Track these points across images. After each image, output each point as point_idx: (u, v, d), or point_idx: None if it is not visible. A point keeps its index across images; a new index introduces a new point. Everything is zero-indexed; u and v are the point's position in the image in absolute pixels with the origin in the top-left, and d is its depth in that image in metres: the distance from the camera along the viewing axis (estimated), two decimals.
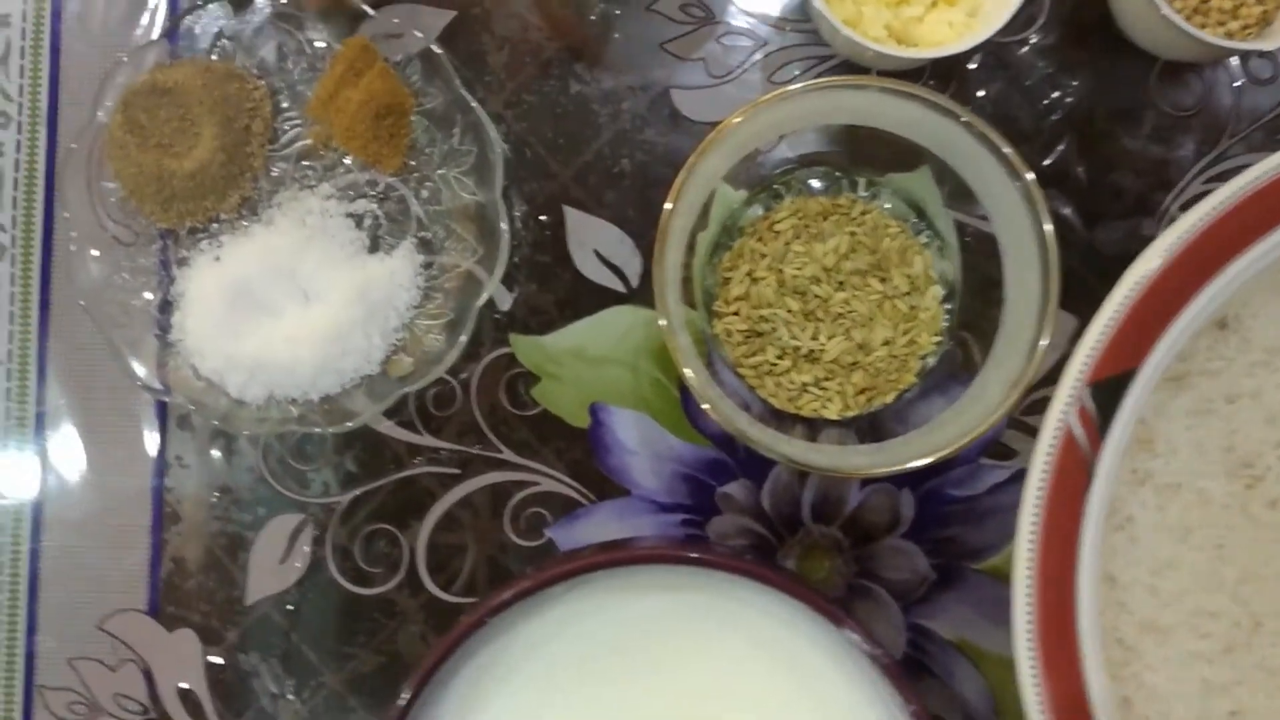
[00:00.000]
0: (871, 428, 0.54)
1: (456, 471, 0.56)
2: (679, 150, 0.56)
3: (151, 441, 0.56)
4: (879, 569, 0.55)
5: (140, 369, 0.53)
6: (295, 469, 0.56)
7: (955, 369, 0.54)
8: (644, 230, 0.56)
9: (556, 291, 0.56)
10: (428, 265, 0.55)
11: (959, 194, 0.53)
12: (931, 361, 0.53)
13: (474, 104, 0.54)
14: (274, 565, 0.56)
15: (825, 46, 0.56)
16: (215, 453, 0.56)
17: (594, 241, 0.56)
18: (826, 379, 0.53)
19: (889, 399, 0.53)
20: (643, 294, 0.56)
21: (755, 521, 0.55)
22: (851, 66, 0.56)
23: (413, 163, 0.56)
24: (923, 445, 0.48)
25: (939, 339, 0.53)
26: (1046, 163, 0.56)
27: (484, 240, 0.54)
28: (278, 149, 0.56)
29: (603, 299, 0.56)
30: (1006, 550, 0.55)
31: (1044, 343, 0.46)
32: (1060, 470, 0.43)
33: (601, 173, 0.56)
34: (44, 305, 0.56)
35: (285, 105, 0.56)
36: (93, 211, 0.54)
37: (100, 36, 0.57)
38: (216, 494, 0.56)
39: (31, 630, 0.55)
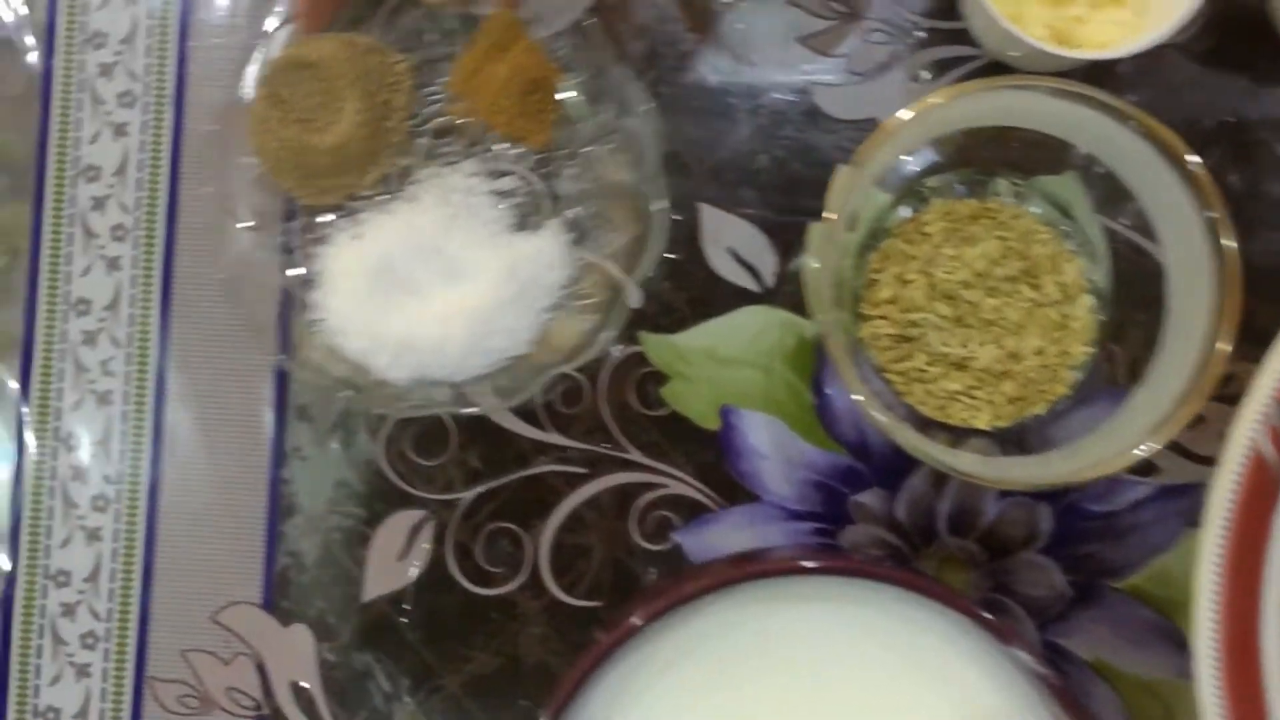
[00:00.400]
0: (1017, 439, 0.52)
1: (583, 471, 0.54)
2: (817, 148, 0.54)
3: (269, 431, 0.54)
4: (1015, 584, 0.54)
5: (279, 350, 0.52)
6: (417, 464, 0.54)
7: (1101, 381, 0.52)
8: (780, 229, 0.54)
9: (689, 289, 0.54)
10: (576, 245, 0.54)
11: (1109, 198, 0.52)
12: (1081, 373, 0.52)
13: (629, 76, 0.52)
14: (392, 562, 0.54)
15: (969, 46, 0.54)
16: (334, 445, 0.55)
17: (729, 239, 0.54)
18: (976, 387, 0.51)
19: (1040, 410, 0.51)
20: (778, 294, 0.54)
21: (889, 532, 0.54)
22: (999, 67, 0.54)
23: (560, 139, 0.54)
24: (1095, 457, 0.46)
25: (1090, 349, 0.52)
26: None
27: (635, 220, 0.53)
28: (418, 125, 0.54)
29: (736, 298, 0.54)
30: (1148, 569, 0.53)
31: (1223, 352, 0.45)
32: (1248, 492, 0.41)
33: (738, 169, 0.55)
34: (165, 289, 0.55)
35: (426, 80, 0.54)
36: (233, 188, 0.53)
37: (229, 15, 0.56)
38: (334, 487, 0.55)
39: (144, 620, 0.54)
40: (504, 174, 0.54)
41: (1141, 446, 0.44)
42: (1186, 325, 0.47)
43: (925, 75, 0.54)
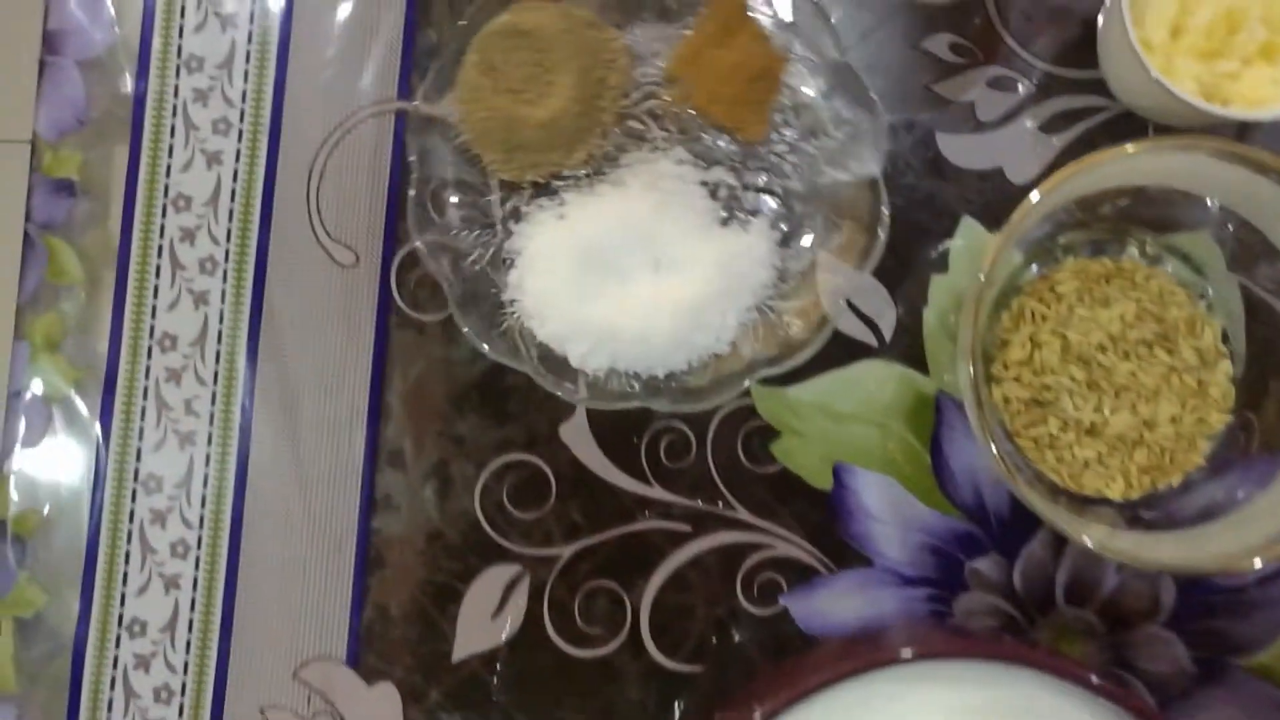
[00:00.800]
0: (1145, 510, 0.50)
1: (687, 529, 0.52)
2: (939, 197, 0.52)
3: (360, 478, 0.52)
4: (1135, 658, 0.51)
5: (466, 327, 0.50)
6: (514, 516, 0.52)
7: (1236, 451, 0.50)
8: (899, 280, 0.52)
9: None
10: (784, 244, 0.51)
11: (1244, 257, 0.50)
12: (1215, 443, 0.50)
13: (857, 73, 0.49)
14: (485, 620, 0.52)
15: (1100, 95, 0.52)
16: (428, 494, 0.52)
17: (846, 290, 0.52)
18: (1109, 455, 0.49)
19: (1174, 480, 0.49)
20: (896, 348, 0.52)
21: (1005, 600, 0.52)
22: (1130, 118, 0.52)
23: (776, 134, 0.51)
24: (1248, 540, 0.44)
25: (1228, 418, 0.49)
26: None
27: (851, 223, 0.50)
28: (630, 106, 0.52)
29: (853, 352, 0.52)
30: (1275, 648, 0.51)
31: None
32: None
33: None
34: (254, 326, 0.52)
35: (641, 59, 0.52)
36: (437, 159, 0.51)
37: (330, 43, 0.53)
38: (427, 539, 0.52)
39: (222, 674, 0.51)
40: (715, 164, 0.51)
41: None
42: None
43: (1054, 127, 0.52)
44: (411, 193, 0.51)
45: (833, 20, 0.51)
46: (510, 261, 0.51)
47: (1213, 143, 0.44)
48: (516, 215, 0.52)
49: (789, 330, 0.50)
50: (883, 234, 0.50)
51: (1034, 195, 0.45)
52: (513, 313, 0.51)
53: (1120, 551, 0.44)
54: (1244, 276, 0.50)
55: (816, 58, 0.50)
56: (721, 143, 0.51)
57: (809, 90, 0.51)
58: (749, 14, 0.50)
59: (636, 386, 0.50)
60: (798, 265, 0.51)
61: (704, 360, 0.50)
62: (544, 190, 0.52)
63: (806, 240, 0.51)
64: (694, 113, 0.51)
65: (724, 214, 0.51)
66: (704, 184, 0.51)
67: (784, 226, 0.51)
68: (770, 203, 0.51)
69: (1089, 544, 0.44)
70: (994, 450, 0.44)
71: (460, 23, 0.51)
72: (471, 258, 0.51)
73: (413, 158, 0.51)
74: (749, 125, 0.51)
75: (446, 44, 0.52)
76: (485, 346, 0.50)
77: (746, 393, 0.52)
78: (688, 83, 0.51)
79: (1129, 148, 0.43)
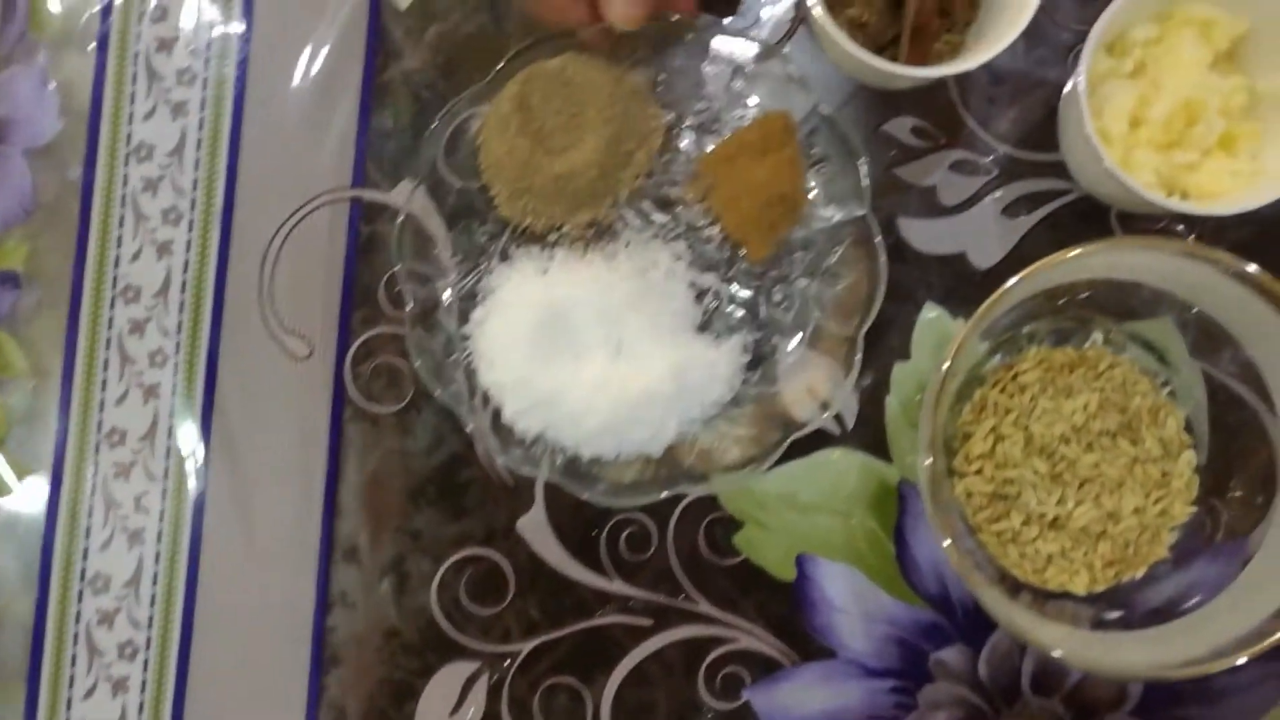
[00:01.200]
0: (1108, 603, 0.49)
1: (649, 623, 0.51)
2: (901, 283, 0.52)
3: (316, 574, 0.51)
4: None
5: (419, 360, 0.49)
6: (472, 612, 0.51)
7: (1201, 540, 0.50)
8: (861, 367, 0.51)
9: None
10: (750, 367, 0.51)
11: (1207, 343, 0.49)
12: (1180, 533, 0.49)
13: (877, 235, 0.49)
14: (443, 718, 0.51)
15: (1065, 179, 0.52)
16: (384, 590, 0.51)
17: (803, 366, 0.52)
18: (1072, 549, 0.48)
19: (1138, 573, 0.49)
20: (858, 436, 0.51)
21: (971, 691, 0.51)
22: (1090, 201, 0.52)
23: (780, 262, 0.51)
24: (1212, 639, 0.43)
25: (1193, 508, 0.49)
26: None
27: (821, 370, 0.50)
28: (648, 186, 0.51)
29: (815, 440, 0.51)
30: None
31: None
32: None
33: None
34: (206, 420, 0.51)
35: (673, 145, 0.51)
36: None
37: (282, 132, 0.53)
38: (383, 636, 0.51)
39: None
40: (709, 269, 0.51)
41: (1265, 641, 0.42)
42: None
43: (1017, 210, 0.52)
44: (400, 218, 0.50)
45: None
46: (483, 297, 0.51)
47: (1173, 245, 0.44)
48: (504, 255, 0.51)
49: (726, 454, 0.50)
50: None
51: (991, 302, 0.44)
52: (465, 350, 0.50)
53: (1087, 660, 0.43)
54: (1206, 362, 0.50)
55: (833, 215, 0.50)
56: (723, 253, 0.51)
57: (816, 221, 0.50)
58: (793, 138, 0.50)
59: (559, 460, 0.50)
60: (756, 393, 0.51)
61: (631, 457, 0.50)
62: (537, 239, 0.51)
63: (774, 370, 0.51)
64: (707, 214, 0.51)
65: (702, 320, 0.51)
66: (692, 285, 0.51)
67: (754, 352, 0.51)
68: (749, 325, 0.51)
69: (1054, 653, 0.43)
70: (953, 551, 0.43)
71: (506, 57, 0.50)
72: (449, 280, 0.50)
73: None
74: (755, 244, 0.50)
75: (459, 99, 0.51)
76: (437, 389, 0.49)
77: (708, 482, 0.51)
78: (711, 182, 0.51)
79: (1089, 248, 0.43)
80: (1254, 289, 0.44)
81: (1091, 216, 0.52)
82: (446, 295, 0.50)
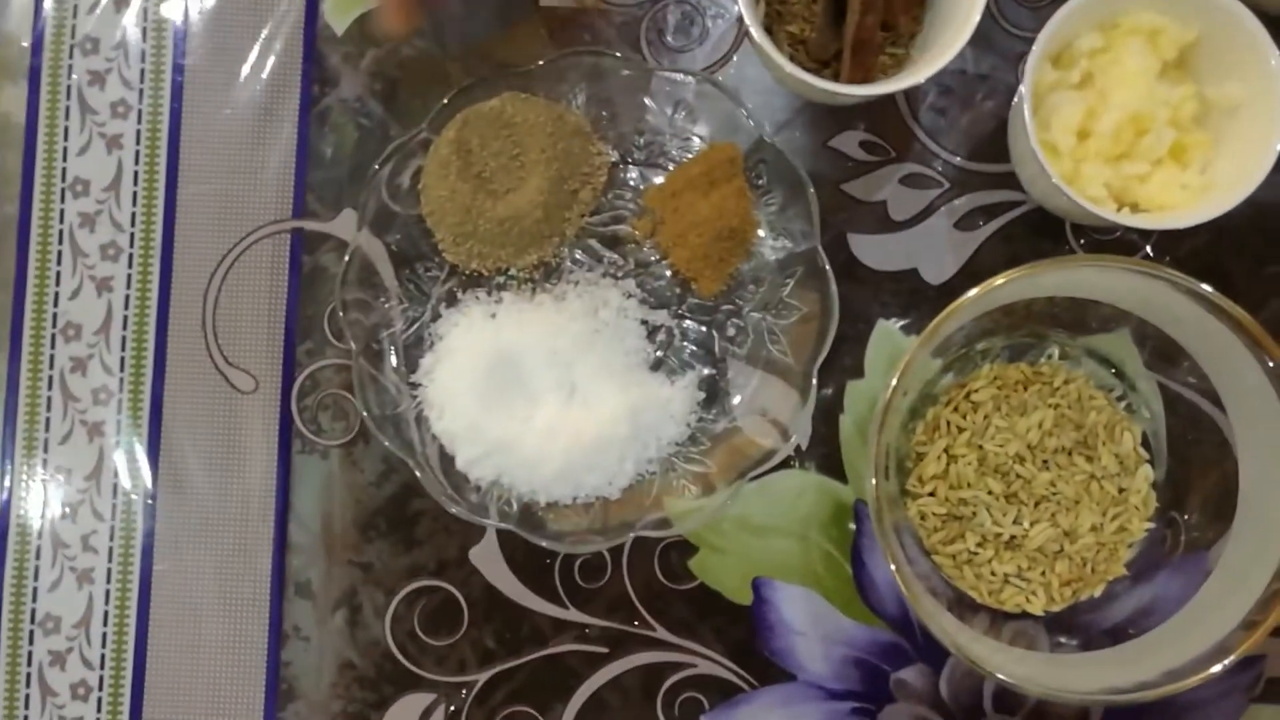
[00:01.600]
0: (1066, 622, 0.49)
1: (605, 650, 0.50)
2: (853, 301, 0.51)
3: (268, 609, 0.50)
4: None
5: (365, 395, 0.49)
6: (427, 644, 0.50)
7: (1159, 554, 0.49)
8: (816, 387, 0.51)
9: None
10: (707, 405, 0.50)
11: (1162, 356, 0.48)
12: (1138, 549, 0.49)
13: (825, 265, 0.49)
14: None
15: (1017, 190, 0.51)
16: (338, 623, 0.50)
17: (761, 399, 0.51)
18: (1029, 569, 0.48)
19: (1096, 592, 0.48)
20: (813, 456, 0.51)
21: (932, 711, 0.50)
22: (1045, 213, 0.51)
23: (732, 295, 0.50)
24: (1166, 662, 0.43)
25: (1151, 524, 0.48)
26: (1258, 319, 0.51)
27: (778, 403, 0.49)
28: (595, 224, 0.50)
29: (768, 462, 0.51)
30: None
31: None
32: None
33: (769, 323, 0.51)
34: (155, 458, 0.50)
35: (619, 182, 0.50)
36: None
37: (220, 163, 0.52)
38: (338, 670, 0.51)
39: None
40: (661, 306, 0.50)
41: (1220, 664, 0.41)
42: (1263, 505, 0.44)
43: (969, 224, 0.51)
44: (346, 257, 0.49)
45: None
46: (431, 343, 0.50)
47: (1122, 262, 0.43)
48: (451, 299, 0.50)
49: (686, 493, 0.49)
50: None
51: (941, 322, 0.43)
52: (415, 398, 0.50)
53: (1043, 686, 0.43)
54: (1163, 375, 0.49)
55: (783, 190, 0.49)
56: (674, 289, 0.50)
57: (767, 253, 0.50)
58: (739, 170, 0.49)
59: (514, 507, 0.49)
60: (714, 429, 0.50)
61: (589, 500, 0.49)
62: (484, 282, 0.50)
63: (730, 404, 0.50)
64: (656, 250, 0.50)
65: (656, 358, 0.50)
66: (644, 323, 0.50)
67: (710, 388, 0.50)
68: (704, 361, 0.50)
69: (1009, 680, 0.42)
70: (901, 575, 0.42)
71: (443, 101, 0.49)
72: (394, 329, 0.50)
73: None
74: (706, 279, 0.49)
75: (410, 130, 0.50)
76: (383, 439, 0.49)
77: (661, 506, 0.50)
78: (658, 218, 0.50)
79: (1035, 267, 0.42)
80: (1203, 304, 0.43)
81: (1046, 228, 0.51)
82: (391, 348, 0.49)
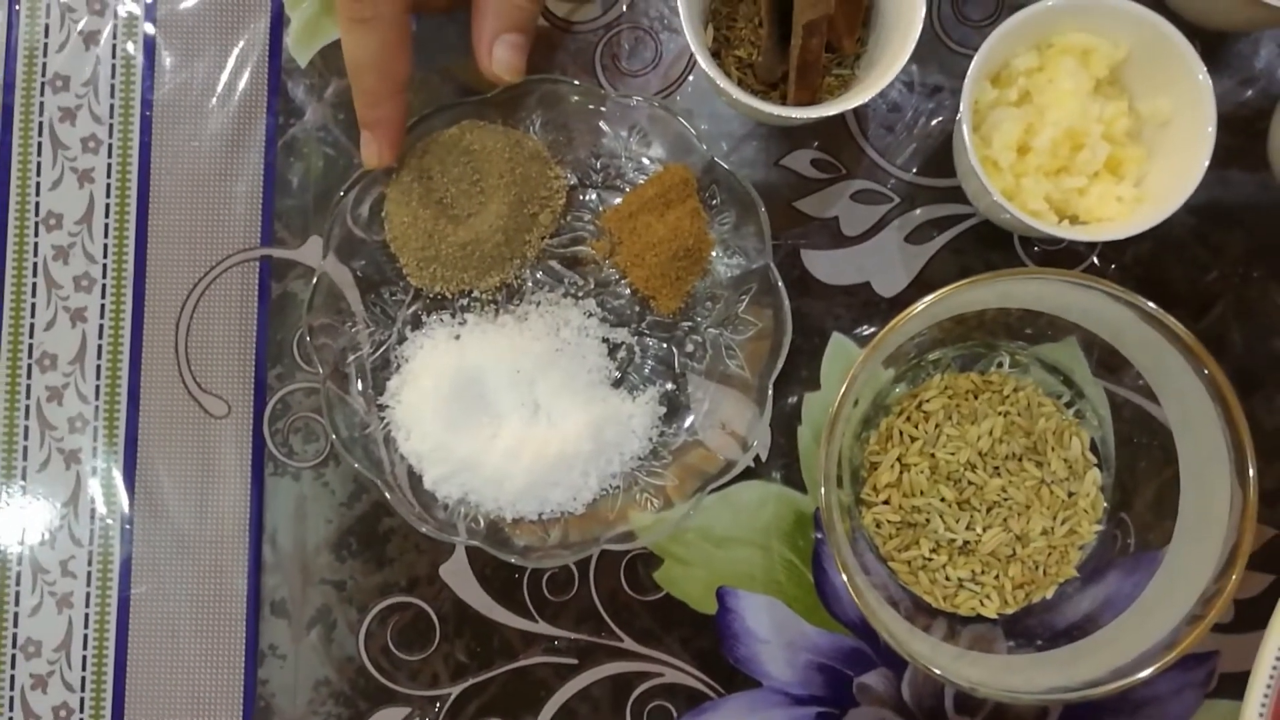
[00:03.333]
0: (1021, 624, 0.50)
1: (574, 662, 0.52)
2: (807, 315, 0.52)
3: (244, 628, 0.51)
4: None
5: (333, 418, 0.50)
6: (400, 659, 0.52)
7: (1111, 554, 0.50)
8: (773, 399, 0.52)
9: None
10: (667, 420, 0.51)
11: (1108, 363, 0.50)
12: (1089, 550, 0.50)
13: (778, 281, 0.50)
14: None
15: (965, 204, 0.53)
16: (313, 640, 0.52)
17: (720, 412, 0.52)
18: (982, 573, 0.49)
19: (1048, 594, 0.49)
20: (772, 467, 0.52)
21: (895, 714, 0.52)
22: (991, 226, 0.52)
23: (689, 313, 0.52)
24: (1114, 660, 0.44)
25: (1100, 526, 0.50)
26: (1200, 326, 0.53)
27: (737, 416, 0.50)
28: (555, 246, 0.52)
29: (729, 473, 0.52)
30: None
31: (1243, 556, 0.43)
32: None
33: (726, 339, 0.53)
34: (130, 482, 0.52)
35: (577, 204, 0.52)
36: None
37: (189, 194, 0.53)
38: (314, 686, 0.52)
39: None
40: (621, 324, 0.52)
41: (1163, 660, 0.42)
42: (1203, 507, 0.46)
43: (920, 237, 0.52)
44: (314, 280, 0.51)
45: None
46: (397, 365, 0.51)
47: (1058, 274, 0.44)
48: (417, 322, 0.52)
49: (649, 506, 0.50)
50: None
51: (887, 333, 0.45)
52: (383, 419, 0.51)
53: (995, 690, 0.44)
54: (1109, 381, 0.50)
55: (736, 211, 0.51)
56: (634, 307, 0.52)
57: (722, 271, 0.51)
58: (692, 189, 0.50)
59: (481, 524, 0.50)
60: (676, 442, 0.51)
61: (554, 515, 0.50)
62: (448, 305, 0.52)
63: (691, 419, 0.51)
64: (615, 270, 0.52)
65: (617, 375, 0.51)
66: (605, 341, 0.51)
67: (670, 404, 0.51)
68: (665, 377, 0.52)
69: (961, 684, 0.44)
70: (852, 585, 0.44)
71: (407, 124, 0.51)
72: (361, 353, 0.51)
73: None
74: (664, 297, 0.51)
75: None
76: (352, 460, 0.50)
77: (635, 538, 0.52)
78: (616, 239, 0.51)
79: (979, 280, 0.44)
80: (1140, 315, 0.45)
81: (995, 239, 0.53)
82: (356, 370, 0.51)
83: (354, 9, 0.46)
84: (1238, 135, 0.52)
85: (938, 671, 0.43)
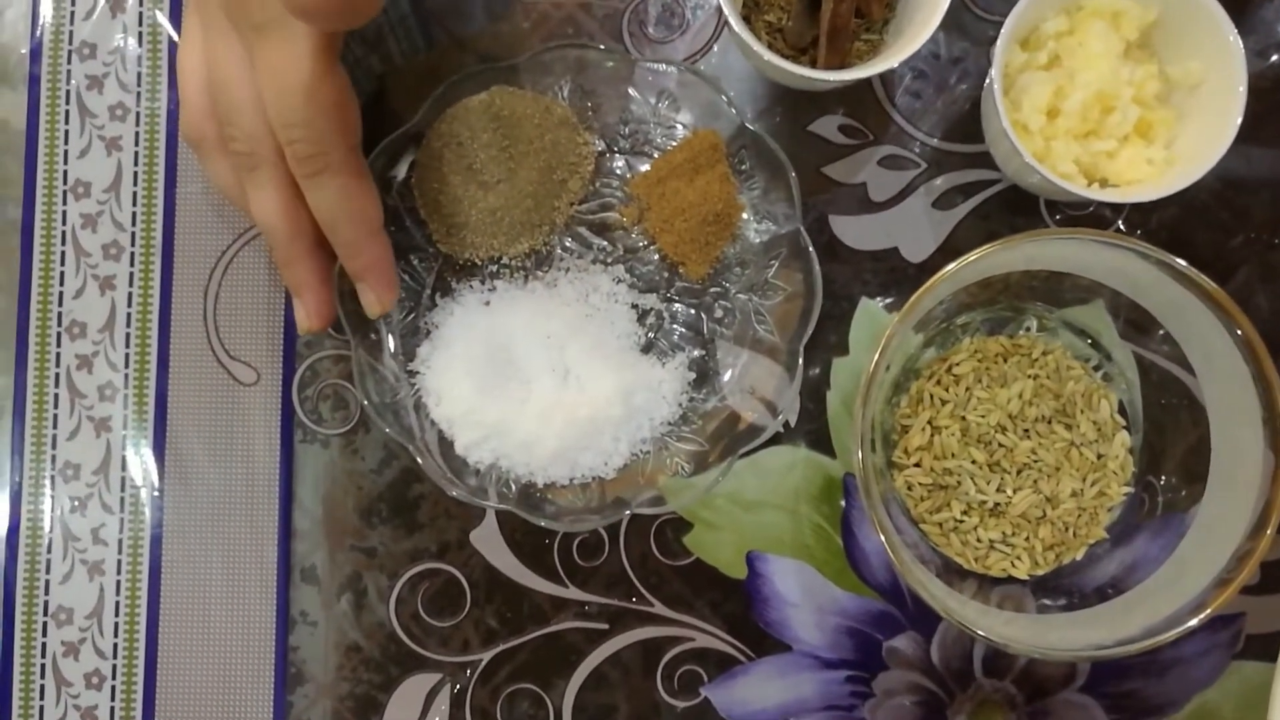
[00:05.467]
0: (1051, 585, 0.50)
1: (604, 627, 0.52)
2: (835, 280, 0.52)
3: (275, 595, 0.52)
4: None
5: (364, 384, 0.50)
6: (431, 625, 0.52)
7: (1139, 516, 0.51)
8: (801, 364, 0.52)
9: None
10: (697, 385, 0.52)
11: (1136, 326, 0.50)
12: (1118, 512, 0.50)
13: (808, 246, 0.50)
14: None
15: (992, 169, 0.53)
16: (343, 607, 0.52)
17: (747, 378, 0.52)
18: (1013, 534, 0.49)
19: (1078, 555, 0.50)
20: (801, 432, 0.52)
21: (924, 677, 0.52)
22: (1020, 191, 0.52)
23: (718, 278, 0.52)
24: (1145, 619, 0.44)
25: (1129, 488, 0.50)
26: (1224, 290, 0.53)
27: (766, 381, 0.51)
28: (583, 212, 0.52)
29: (757, 438, 0.52)
30: (1191, 705, 0.52)
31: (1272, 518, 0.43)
32: None
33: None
34: (160, 448, 0.52)
35: (606, 170, 0.52)
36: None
37: None
38: (344, 652, 0.52)
39: None
40: (650, 290, 0.52)
41: (1196, 619, 0.43)
42: (1233, 468, 0.46)
43: (946, 203, 0.53)
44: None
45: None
46: (427, 332, 0.51)
47: (1090, 234, 0.44)
48: (446, 288, 0.52)
49: (679, 471, 0.51)
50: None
51: (920, 298, 0.45)
52: (413, 385, 0.51)
53: (1030, 644, 0.44)
54: (1137, 345, 0.50)
55: (770, 220, 0.51)
56: (663, 272, 0.52)
57: (751, 236, 0.51)
58: (721, 154, 0.50)
59: (512, 489, 0.50)
60: (705, 407, 0.51)
61: (585, 480, 0.51)
62: (477, 271, 0.52)
63: (720, 384, 0.51)
64: (644, 236, 0.52)
65: (647, 340, 0.52)
66: (634, 307, 0.52)
67: (699, 368, 0.52)
68: (694, 343, 0.52)
69: (996, 640, 0.44)
70: (888, 546, 0.44)
71: (436, 91, 0.51)
72: (391, 319, 0.51)
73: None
74: (693, 263, 0.51)
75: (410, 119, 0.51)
76: (383, 426, 0.50)
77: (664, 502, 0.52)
78: (645, 205, 0.51)
79: (1012, 241, 0.44)
80: (1172, 275, 0.45)
81: (1021, 205, 0.53)
82: (389, 338, 0.51)
83: (303, 168, 0.44)
84: (1262, 101, 0.52)
85: (977, 630, 0.44)
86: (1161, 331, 0.49)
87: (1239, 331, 0.44)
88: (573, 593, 0.52)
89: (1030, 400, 0.50)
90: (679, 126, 0.52)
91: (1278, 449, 0.44)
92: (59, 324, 0.52)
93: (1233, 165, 0.51)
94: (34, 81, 0.53)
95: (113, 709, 0.51)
